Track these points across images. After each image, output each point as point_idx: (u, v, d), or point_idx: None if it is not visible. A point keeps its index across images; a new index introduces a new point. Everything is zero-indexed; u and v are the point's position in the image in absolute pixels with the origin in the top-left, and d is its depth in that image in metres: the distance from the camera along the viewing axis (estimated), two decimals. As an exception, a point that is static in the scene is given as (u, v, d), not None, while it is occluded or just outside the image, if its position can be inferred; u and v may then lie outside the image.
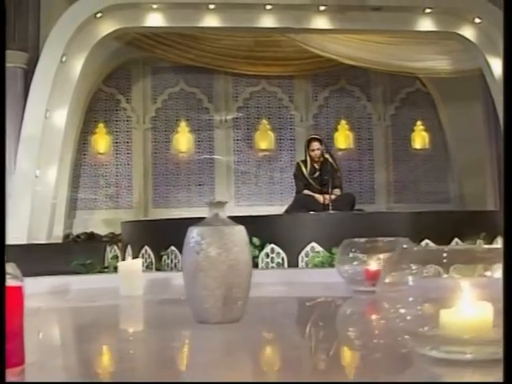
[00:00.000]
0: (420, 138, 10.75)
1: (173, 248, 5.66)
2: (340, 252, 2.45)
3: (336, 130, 10.66)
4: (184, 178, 10.45)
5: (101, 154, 10.24)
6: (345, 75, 10.36)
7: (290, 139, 10.62)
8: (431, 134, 10.74)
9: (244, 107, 10.56)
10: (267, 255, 5.26)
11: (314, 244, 5.20)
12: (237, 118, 10.53)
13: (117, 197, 10.32)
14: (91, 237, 9.88)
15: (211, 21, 7.97)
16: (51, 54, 7.55)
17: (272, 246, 5.26)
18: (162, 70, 10.40)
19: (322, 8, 7.94)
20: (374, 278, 2.31)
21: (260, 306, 2.20)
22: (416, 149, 10.73)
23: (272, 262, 5.26)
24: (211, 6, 7.82)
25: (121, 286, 2.41)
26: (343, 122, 10.66)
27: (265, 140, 10.53)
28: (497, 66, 8.28)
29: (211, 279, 1.65)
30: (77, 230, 9.96)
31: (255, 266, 5.26)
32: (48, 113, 7.53)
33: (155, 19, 7.93)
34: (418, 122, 10.73)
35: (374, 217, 5.58)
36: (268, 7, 7.91)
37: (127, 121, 10.37)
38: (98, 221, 10.11)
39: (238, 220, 5.81)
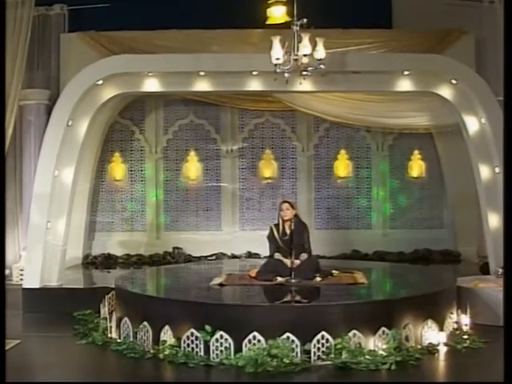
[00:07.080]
0: (417, 167, 11.29)
1: (145, 323, 6.53)
2: None
3: (336, 159, 11.34)
4: (193, 203, 11.41)
5: (117, 180, 11.29)
6: (345, 107, 10.90)
7: (292, 168, 11.38)
8: (427, 163, 11.26)
9: (249, 138, 11.36)
10: (217, 340, 6.13)
11: (255, 333, 6.05)
12: (242, 148, 11.35)
13: (132, 220, 11.40)
14: (108, 258, 11.01)
15: (202, 85, 8.71)
16: (58, 119, 8.44)
17: (221, 332, 6.11)
18: (173, 102, 11.25)
19: (304, 72, 8.53)
20: None
21: None
22: (413, 177, 11.29)
23: (221, 346, 6.13)
24: (201, 73, 8.56)
25: None
26: (343, 151, 11.32)
27: (268, 169, 11.32)
28: (472, 123, 8.76)
29: None
30: (96, 250, 11.12)
31: (207, 350, 6.15)
32: (57, 171, 8.49)
33: (151, 84, 8.72)
34: (416, 152, 11.26)
35: (308, 310, 6.32)
36: (254, 73, 8.58)
37: (141, 150, 11.34)
38: (114, 242, 11.23)
39: (193, 306, 6.53)
